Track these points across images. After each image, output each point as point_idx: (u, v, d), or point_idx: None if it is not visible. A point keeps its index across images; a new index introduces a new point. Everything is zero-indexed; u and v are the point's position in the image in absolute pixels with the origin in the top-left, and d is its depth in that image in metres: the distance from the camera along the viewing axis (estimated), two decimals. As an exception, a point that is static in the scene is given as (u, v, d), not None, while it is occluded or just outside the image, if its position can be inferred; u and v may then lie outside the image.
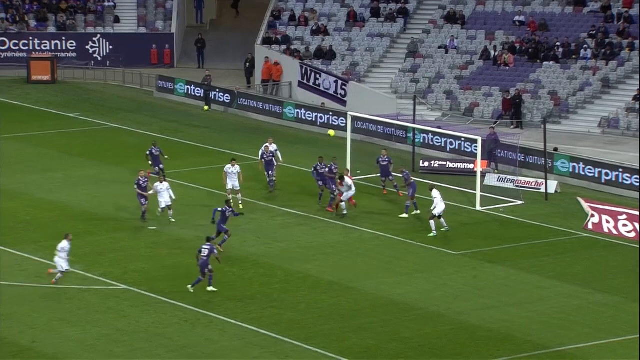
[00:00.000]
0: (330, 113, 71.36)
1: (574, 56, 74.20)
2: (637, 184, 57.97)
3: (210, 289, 43.68)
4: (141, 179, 51.45)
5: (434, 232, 50.90)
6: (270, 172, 56.69)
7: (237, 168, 54.52)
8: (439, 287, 45.87)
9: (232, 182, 54.26)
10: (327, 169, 54.93)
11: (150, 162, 57.00)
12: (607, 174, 59.43)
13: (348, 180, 53.41)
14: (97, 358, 38.74)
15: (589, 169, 59.88)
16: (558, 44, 74.94)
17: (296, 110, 72.55)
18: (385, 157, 57.21)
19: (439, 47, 77.73)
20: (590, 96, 71.66)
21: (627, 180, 58.70)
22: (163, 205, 51.74)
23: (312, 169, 55.78)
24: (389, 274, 46.57)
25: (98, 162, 62.50)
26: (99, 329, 41.10)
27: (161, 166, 56.78)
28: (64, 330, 40.95)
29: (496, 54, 75.57)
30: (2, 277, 45.85)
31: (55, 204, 55.34)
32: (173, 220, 51.69)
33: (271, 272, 47.07)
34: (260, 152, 57.13)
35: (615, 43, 74.01)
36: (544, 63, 74.30)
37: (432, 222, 51.05)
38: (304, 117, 72.08)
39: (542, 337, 40.94)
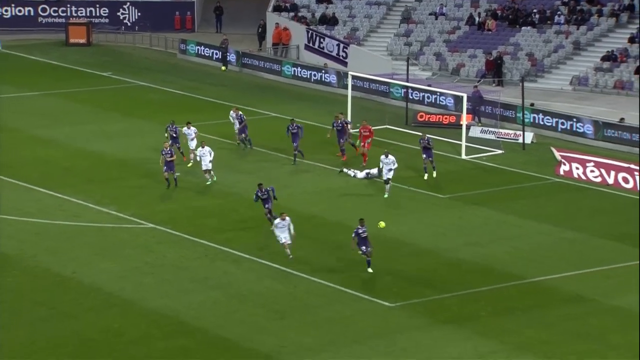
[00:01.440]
0: (322, 71, 71.55)
1: (548, 22, 74.16)
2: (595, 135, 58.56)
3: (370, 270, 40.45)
4: (164, 150, 49.43)
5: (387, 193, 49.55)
6: (341, 140, 54.64)
7: (193, 130, 53.03)
8: (429, 226, 46.26)
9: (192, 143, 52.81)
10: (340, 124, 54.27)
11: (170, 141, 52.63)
12: (571, 126, 59.91)
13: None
14: (129, 287, 39.10)
15: (561, 122, 60.08)
16: (535, 11, 74.92)
17: (293, 69, 72.69)
18: (340, 122, 54.90)
19: (430, 14, 77.63)
20: (563, 57, 71.63)
21: (585, 129, 59.33)
22: (204, 167, 50.21)
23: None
24: (384, 215, 46.78)
25: (128, 116, 62.59)
26: (130, 262, 41.52)
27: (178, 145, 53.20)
28: (99, 263, 41.35)
29: (480, 20, 75.57)
30: (46, 216, 46.28)
31: (90, 152, 55.44)
32: (209, 182, 50.36)
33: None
34: (333, 122, 55.08)
35: (585, 10, 73.97)
36: (523, 28, 74.26)
37: (387, 186, 49.36)
38: (299, 75, 72.17)
39: (519, 269, 41.37)
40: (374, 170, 51.28)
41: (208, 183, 50.32)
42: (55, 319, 36.49)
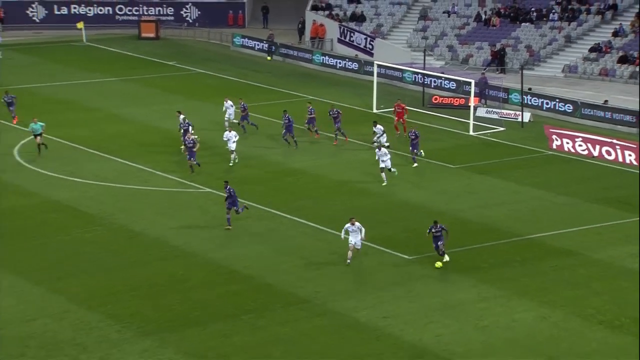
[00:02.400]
0: (347, 59, 71.66)
1: (544, 19, 73.91)
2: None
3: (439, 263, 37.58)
4: (188, 139, 47.75)
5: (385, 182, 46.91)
6: (336, 125, 52.48)
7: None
8: (441, 192, 46.33)
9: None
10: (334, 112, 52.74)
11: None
12: (562, 107, 59.78)
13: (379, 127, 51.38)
14: (190, 241, 39.44)
15: (553, 104, 59.96)
16: (533, 9, 74.67)
17: (322, 57, 72.82)
18: (335, 110, 53.23)
19: (443, 12, 77.54)
20: (556, 49, 71.43)
21: (566, 109, 59.22)
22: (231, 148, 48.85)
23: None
24: (401, 182, 47.05)
25: (189, 98, 62.59)
26: (191, 220, 41.87)
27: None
28: (164, 221, 41.71)
29: (486, 17, 75.41)
30: (121, 181, 46.68)
31: (159, 128, 55.57)
32: (231, 164, 48.84)
33: (317, 181, 47.77)
34: (329, 110, 53.48)
35: (576, 8, 73.74)
36: (522, 24, 74.03)
37: (383, 174, 46.64)
38: (327, 62, 72.30)
39: (517, 228, 41.48)
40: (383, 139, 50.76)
41: (231, 164, 48.96)
42: (129, 266, 37.05)
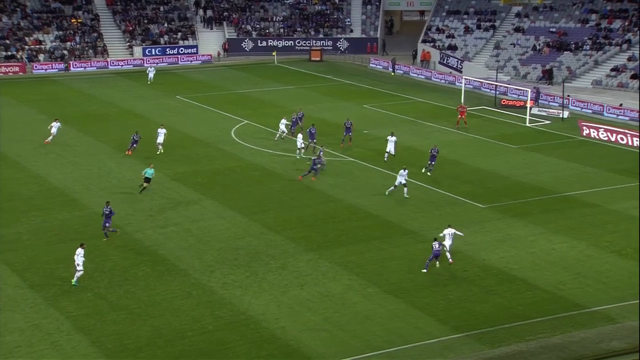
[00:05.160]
0: (444, 74, 70.18)
1: (580, 49, 71.07)
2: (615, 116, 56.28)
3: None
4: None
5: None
6: (345, 134, 45.93)
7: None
8: (505, 163, 44.70)
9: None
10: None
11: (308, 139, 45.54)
12: (592, 109, 57.59)
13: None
14: (338, 191, 38.90)
15: (584, 105, 57.92)
16: (572, 42, 71.92)
17: (428, 73, 71.18)
18: (349, 121, 46.58)
19: (510, 44, 75.34)
20: (587, 69, 68.63)
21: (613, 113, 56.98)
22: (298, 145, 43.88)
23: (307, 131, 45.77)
24: (480, 152, 45.76)
25: (337, 100, 61.70)
26: (338, 179, 41.11)
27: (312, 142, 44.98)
28: (323, 178, 41.31)
29: (539, 47, 73.05)
30: (293, 152, 45.81)
31: (318, 119, 52.91)
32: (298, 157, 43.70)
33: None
34: (344, 122, 47.05)
35: (602, 42, 70.68)
36: (564, 52, 71.30)
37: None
38: (432, 77, 70.51)
39: (556, 187, 40.39)
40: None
41: (298, 157, 43.62)
42: (300, 207, 36.72)
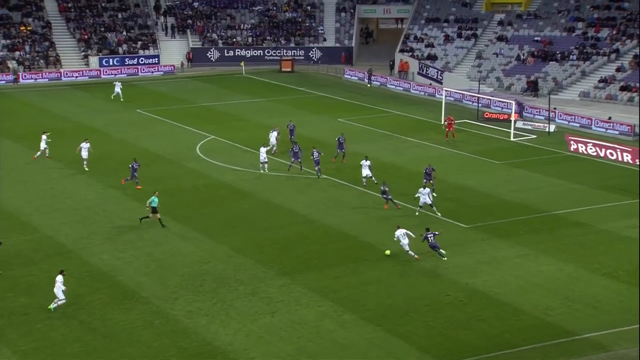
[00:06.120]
0: (423, 86, 70.68)
1: (566, 59, 72.11)
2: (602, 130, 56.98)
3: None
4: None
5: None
6: (338, 150, 46.66)
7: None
8: (488, 179, 45.14)
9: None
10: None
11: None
12: (579, 121, 58.38)
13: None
14: (312, 211, 39.01)
15: (571, 118, 58.77)
16: (557, 52, 72.97)
17: (406, 84, 71.82)
18: (342, 137, 47.11)
19: (493, 54, 76.30)
20: (574, 80, 69.63)
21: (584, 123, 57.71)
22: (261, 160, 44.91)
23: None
24: (462, 170, 46.17)
25: (313, 113, 62.22)
26: (313, 197, 41.21)
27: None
28: (295, 196, 41.38)
29: (523, 57, 73.99)
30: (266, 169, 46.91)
31: (297, 135, 53.77)
32: (262, 172, 45.76)
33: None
34: (337, 137, 47.55)
35: (589, 52, 71.77)
36: (550, 62, 72.31)
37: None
38: (409, 89, 71.14)
39: (542, 205, 40.65)
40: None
41: (262, 171, 44.86)
42: (271, 228, 37.12)
